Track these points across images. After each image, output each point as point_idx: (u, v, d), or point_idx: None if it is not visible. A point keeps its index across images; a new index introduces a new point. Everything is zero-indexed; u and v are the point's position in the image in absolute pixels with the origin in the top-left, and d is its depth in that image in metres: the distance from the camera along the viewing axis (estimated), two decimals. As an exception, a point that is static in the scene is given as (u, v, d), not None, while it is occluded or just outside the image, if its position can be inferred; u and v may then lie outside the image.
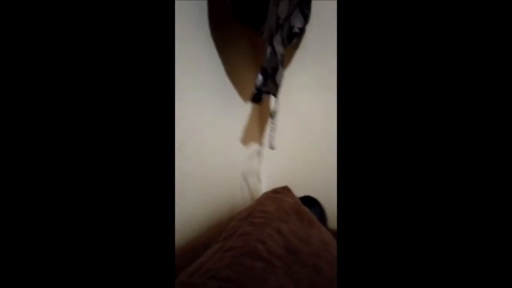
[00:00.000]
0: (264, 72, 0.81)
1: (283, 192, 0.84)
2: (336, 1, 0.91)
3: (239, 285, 0.48)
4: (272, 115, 0.93)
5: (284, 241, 0.60)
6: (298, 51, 1.02)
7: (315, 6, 0.95)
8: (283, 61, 0.90)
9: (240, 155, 1.02)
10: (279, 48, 0.85)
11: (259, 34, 0.75)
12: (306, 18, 0.93)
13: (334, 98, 0.90)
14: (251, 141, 1.07)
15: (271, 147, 0.96)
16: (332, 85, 0.96)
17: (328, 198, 1.01)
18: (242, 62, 0.99)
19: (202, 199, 0.86)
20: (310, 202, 1.01)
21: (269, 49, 0.80)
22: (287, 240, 0.61)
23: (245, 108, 1.02)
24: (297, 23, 0.91)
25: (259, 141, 1.11)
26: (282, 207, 0.73)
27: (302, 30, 0.94)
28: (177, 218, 0.73)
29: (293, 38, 0.92)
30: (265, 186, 1.15)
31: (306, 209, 0.80)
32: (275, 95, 0.89)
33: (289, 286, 0.52)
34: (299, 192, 0.89)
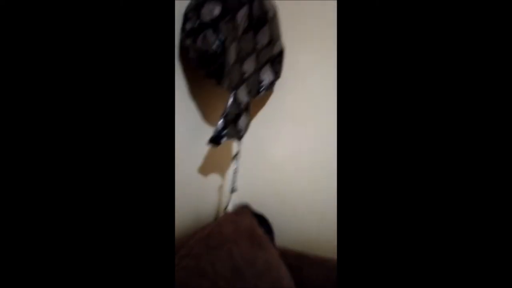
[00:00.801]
0: (225, 118, 0.90)
1: (243, 212, 0.96)
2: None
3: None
4: (235, 157, 1.00)
5: (232, 263, 0.71)
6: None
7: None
8: (249, 109, 0.99)
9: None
10: (243, 98, 0.95)
11: (221, 85, 0.85)
12: (276, 74, 1.04)
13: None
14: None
15: (233, 190, 1.02)
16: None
17: (277, 215, 1.09)
18: (213, 103, 1.08)
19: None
20: (260, 220, 1.06)
21: (231, 98, 0.90)
22: (235, 262, 0.72)
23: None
24: (266, 77, 1.02)
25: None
26: (238, 229, 0.84)
27: (272, 84, 1.04)
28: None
29: (261, 91, 1.02)
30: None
31: (258, 231, 0.90)
32: (238, 139, 0.97)
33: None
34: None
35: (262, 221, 1.01)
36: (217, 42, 0.76)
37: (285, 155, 1.15)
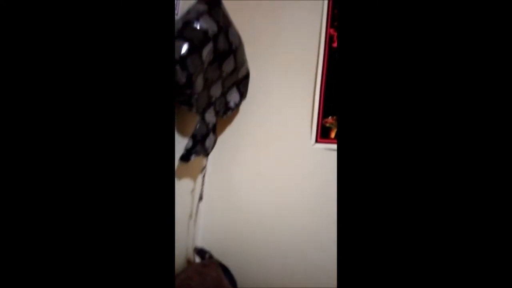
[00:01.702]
0: (194, 138, 1.00)
1: (209, 265, 1.00)
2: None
3: None
4: (202, 170, 1.11)
5: None
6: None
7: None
8: (215, 129, 1.10)
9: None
10: (211, 119, 1.06)
11: (191, 110, 0.95)
12: (242, 95, 1.14)
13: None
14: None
15: (200, 198, 1.14)
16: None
17: (240, 265, 1.14)
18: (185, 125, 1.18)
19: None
20: (226, 270, 1.12)
21: (199, 120, 1.00)
22: None
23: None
24: (233, 99, 1.12)
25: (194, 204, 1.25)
26: (205, 282, 0.89)
27: (237, 105, 1.14)
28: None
29: (228, 111, 1.13)
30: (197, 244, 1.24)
31: (225, 283, 0.97)
32: (205, 156, 1.08)
33: None
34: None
35: (225, 271, 1.09)
36: (184, 77, 0.85)
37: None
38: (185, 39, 0.83)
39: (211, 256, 1.13)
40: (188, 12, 0.88)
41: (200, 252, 1.15)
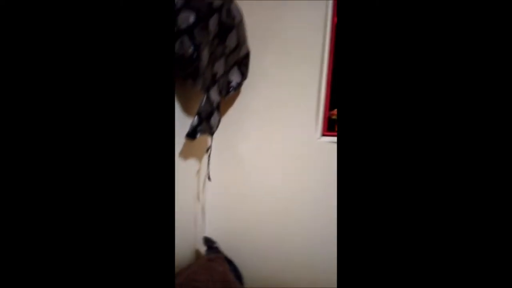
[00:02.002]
0: (199, 115, 0.98)
1: (216, 260, 1.01)
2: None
3: None
4: (207, 150, 1.09)
5: None
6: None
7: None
8: (220, 108, 1.08)
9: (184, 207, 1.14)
10: (215, 97, 1.04)
11: (195, 85, 0.93)
12: (243, 75, 1.14)
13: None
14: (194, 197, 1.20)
15: (208, 178, 1.11)
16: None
17: (247, 260, 1.16)
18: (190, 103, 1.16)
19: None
20: (232, 265, 1.14)
21: (204, 98, 0.98)
22: None
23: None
24: (234, 79, 1.12)
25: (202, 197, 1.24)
26: (211, 277, 0.89)
27: (239, 84, 1.14)
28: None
29: (230, 91, 1.12)
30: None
31: (230, 277, 0.97)
32: (210, 135, 1.06)
33: None
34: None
35: (230, 264, 1.10)
36: (192, 47, 0.84)
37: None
38: (192, 9, 0.82)
39: (217, 248, 1.12)
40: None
41: (208, 241, 1.13)
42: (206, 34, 0.87)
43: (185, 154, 1.07)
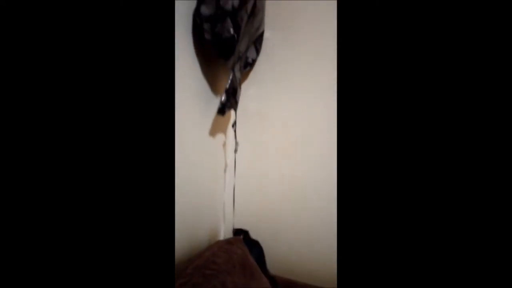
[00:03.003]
0: (227, 92, 1.05)
1: (235, 243, 1.02)
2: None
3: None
4: (233, 125, 1.17)
5: None
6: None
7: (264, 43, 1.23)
8: (240, 84, 1.16)
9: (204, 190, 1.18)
10: (238, 74, 1.11)
11: (226, 64, 0.99)
12: (258, 52, 1.21)
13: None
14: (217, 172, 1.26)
15: (236, 150, 1.21)
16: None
17: (270, 242, 1.20)
18: (215, 79, 1.21)
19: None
20: (253, 245, 1.16)
21: (231, 75, 1.05)
22: None
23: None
24: (251, 55, 1.19)
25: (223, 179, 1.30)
26: (231, 259, 0.90)
27: (254, 61, 1.21)
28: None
29: (247, 67, 1.19)
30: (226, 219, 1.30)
31: (250, 261, 0.99)
32: (235, 110, 1.14)
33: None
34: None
35: (254, 246, 1.13)
36: (232, 29, 0.89)
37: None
38: (235, -9, 0.87)
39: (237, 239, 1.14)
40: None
41: (237, 232, 1.20)
42: (245, 16, 0.92)
43: (212, 131, 1.14)
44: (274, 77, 1.26)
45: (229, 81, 1.05)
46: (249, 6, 0.93)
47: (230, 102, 1.07)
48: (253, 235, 1.18)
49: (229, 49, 0.94)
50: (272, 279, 1.06)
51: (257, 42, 1.18)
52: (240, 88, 1.15)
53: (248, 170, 1.29)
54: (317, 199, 1.17)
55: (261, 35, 1.19)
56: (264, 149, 1.28)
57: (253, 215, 1.27)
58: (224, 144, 1.26)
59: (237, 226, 1.22)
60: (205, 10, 0.88)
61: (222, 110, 1.05)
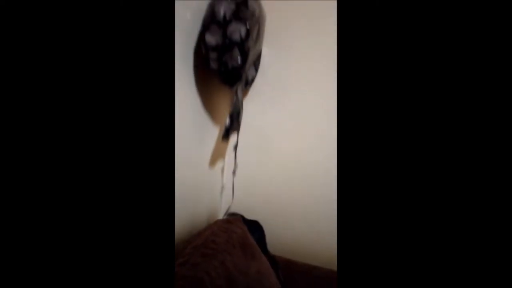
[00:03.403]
0: (231, 116, 1.04)
1: (234, 222, 1.00)
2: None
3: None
4: (235, 148, 1.16)
5: (226, 272, 0.74)
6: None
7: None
8: (242, 103, 1.15)
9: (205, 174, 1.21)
10: (240, 95, 1.10)
11: (231, 89, 0.98)
12: (256, 70, 1.20)
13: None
14: (217, 160, 1.27)
15: (234, 173, 1.21)
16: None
17: (270, 223, 1.20)
18: (214, 101, 1.18)
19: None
20: (254, 226, 1.14)
21: (235, 98, 1.04)
22: (229, 272, 0.75)
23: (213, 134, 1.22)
24: (251, 74, 1.17)
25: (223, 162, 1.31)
26: (230, 239, 0.88)
27: (253, 79, 1.20)
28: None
29: (247, 86, 1.18)
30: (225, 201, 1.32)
31: (250, 240, 0.97)
32: (238, 132, 1.13)
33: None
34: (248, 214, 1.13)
35: (255, 227, 1.11)
36: (240, 58, 0.88)
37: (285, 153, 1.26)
38: (242, 21, 0.85)
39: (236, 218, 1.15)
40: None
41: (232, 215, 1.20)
42: (252, 43, 0.91)
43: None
44: (271, 92, 1.26)
45: (234, 104, 1.04)
46: (255, 32, 0.91)
47: (233, 126, 1.06)
48: (253, 215, 1.16)
49: (236, 77, 0.93)
50: (272, 258, 1.05)
51: (257, 61, 1.17)
52: (242, 108, 1.14)
53: (248, 151, 1.28)
54: (320, 180, 1.20)
55: (260, 54, 1.17)
56: (265, 131, 1.29)
57: (253, 195, 1.28)
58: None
59: (237, 206, 1.22)
60: (210, 39, 0.86)
61: (227, 135, 1.04)
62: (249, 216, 1.14)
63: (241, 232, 0.95)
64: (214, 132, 1.22)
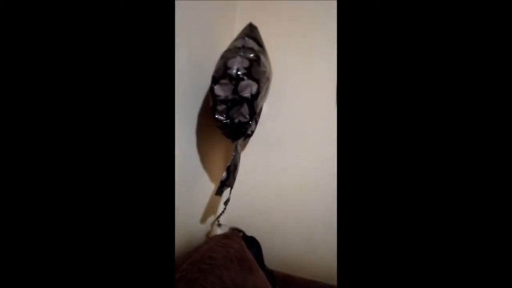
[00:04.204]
0: (228, 170, 0.99)
1: (232, 237, 1.00)
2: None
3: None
4: (225, 203, 1.09)
5: (224, 287, 0.73)
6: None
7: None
8: (240, 157, 1.10)
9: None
10: (239, 149, 1.06)
11: (233, 143, 0.94)
12: (256, 123, 1.18)
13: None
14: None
15: (218, 225, 1.12)
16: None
17: (267, 238, 1.19)
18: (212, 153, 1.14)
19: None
20: (251, 242, 1.14)
21: (234, 153, 0.99)
22: (226, 286, 0.74)
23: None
24: (251, 128, 1.15)
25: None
26: (228, 254, 0.87)
27: (253, 132, 1.18)
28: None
29: (247, 138, 1.15)
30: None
31: (247, 255, 0.96)
32: (231, 188, 1.07)
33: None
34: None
35: (252, 242, 1.11)
36: (249, 115, 0.86)
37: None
38: (254, 79, 0.84)
39: (233, 233, 1.10)
40: (243, 47, 0.87)
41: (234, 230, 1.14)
42: (260, 101, 0.89)
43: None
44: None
45: (232, 157, 0.99)
46: (264, 89, 0.90)
47: (229, 180, 1.01)
48: (250, 230, 1.15)
49: (242, 132, 0.90)
50: (270, 273, 1.04)
51: (259, 117, 1.16)
52: (239, 162, 1.09)
53: (244, 165, 1.24)
54: (315, 195, 1.17)
55: (261, 109, 1.17)
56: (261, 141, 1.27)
57: (249, 211, 1.26)
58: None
59: (233, 221, 1.20)
60: (220, 91, 0.84)
61: (221, 190, 0.97)
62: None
63: (239, 247, 0.95)
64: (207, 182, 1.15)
